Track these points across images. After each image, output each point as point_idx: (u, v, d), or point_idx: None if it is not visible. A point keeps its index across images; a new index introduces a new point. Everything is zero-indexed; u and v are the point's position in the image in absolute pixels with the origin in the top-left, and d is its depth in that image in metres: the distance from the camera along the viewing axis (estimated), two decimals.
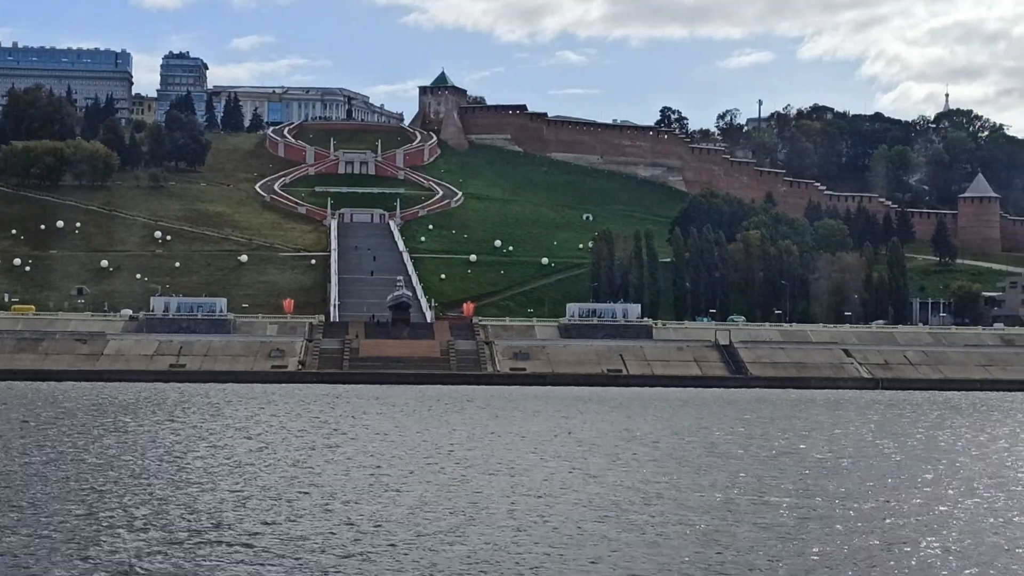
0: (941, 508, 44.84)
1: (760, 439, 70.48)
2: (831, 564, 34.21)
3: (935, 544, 37.33)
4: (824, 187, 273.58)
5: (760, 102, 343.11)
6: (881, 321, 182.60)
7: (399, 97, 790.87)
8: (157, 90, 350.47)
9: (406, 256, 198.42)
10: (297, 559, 33.70)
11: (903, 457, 62.24)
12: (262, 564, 33.05)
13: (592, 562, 33.90)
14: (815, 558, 34.91)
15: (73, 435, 66.13)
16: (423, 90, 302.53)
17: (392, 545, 35.71)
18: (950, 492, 49.34)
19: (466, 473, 52.18)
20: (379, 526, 39.07)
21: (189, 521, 39.16)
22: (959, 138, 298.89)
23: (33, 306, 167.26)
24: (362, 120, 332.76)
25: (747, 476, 52.59)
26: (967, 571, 33.78)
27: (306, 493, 45.69)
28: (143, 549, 34.52)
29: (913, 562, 34.75)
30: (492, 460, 57.05)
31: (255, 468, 53.04)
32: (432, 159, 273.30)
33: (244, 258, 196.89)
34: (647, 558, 34.51)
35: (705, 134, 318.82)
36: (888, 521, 41.54)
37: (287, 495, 45.04)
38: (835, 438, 72.40)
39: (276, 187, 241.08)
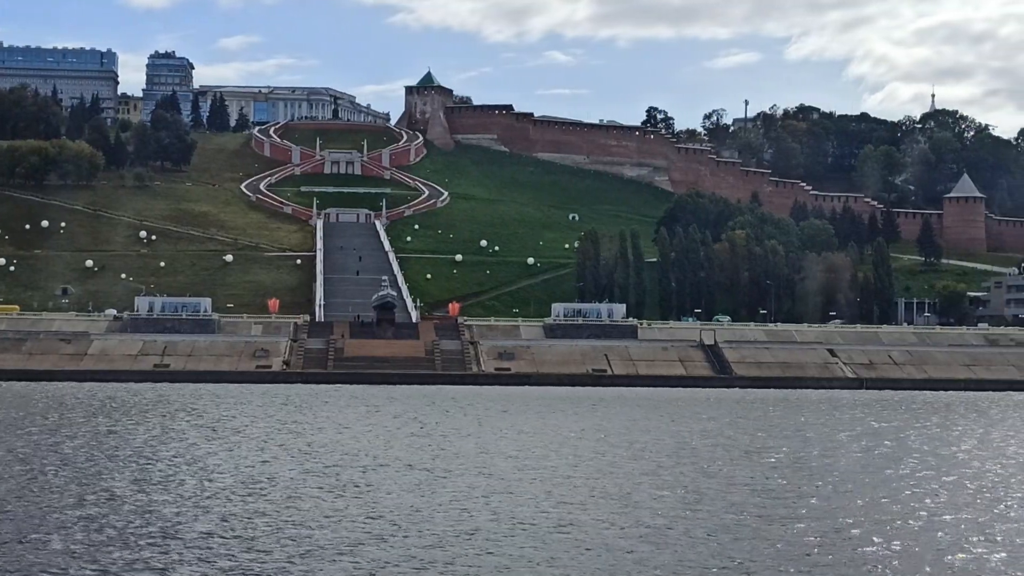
0: (912, 504, 44.83)
1: (731, 438, 70.40)
2: (782, 561, 34.13)
3: (896, 543, 37.28)
4: (810, 187, 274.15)
5: (747, 102, 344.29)
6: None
7: (386, 97, 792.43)
8: (143, 90, 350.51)
9: (392, 256, 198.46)
10: (250, 558, 33.56)
11: (871, 456, 62.25)
12: (213, 562, 32.93)
13: (544, 564, 33.80)
14: (768, 558, 34.82)
15: (41, 434, 65.87)
16: (409, 90, 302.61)
17: (351, 547, 35.55)
18: (915, 490, 49.25)
19: (429, 472, 52.07)
20: (338, 521, 39.14)
21: (146, 520, 39.00)
22: (945, 138, 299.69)
23: (17, 306, 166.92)
24: (348, 120, 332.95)
25: (711, 477, 52.56)
26: (924, 569, 33.77)
27: (265, 493, 45.58)
28: (95, 549, 34.37)
29: (867, 562, 34.71)
30: (456, 459, 56.98)
31: (220, 467, 52.85)
32: (418, 159, 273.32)
33: (229, 258, 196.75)
34: (594, 558, 34.43)
35: (691, 134, 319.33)
36: (853, 519, 41.48)
37: (248, 494, 44.91)
38: (807, 437, 72.43)
39: (262, 187, 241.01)
